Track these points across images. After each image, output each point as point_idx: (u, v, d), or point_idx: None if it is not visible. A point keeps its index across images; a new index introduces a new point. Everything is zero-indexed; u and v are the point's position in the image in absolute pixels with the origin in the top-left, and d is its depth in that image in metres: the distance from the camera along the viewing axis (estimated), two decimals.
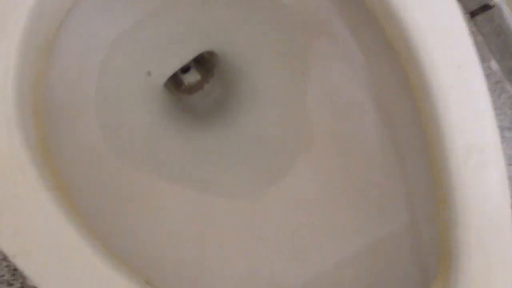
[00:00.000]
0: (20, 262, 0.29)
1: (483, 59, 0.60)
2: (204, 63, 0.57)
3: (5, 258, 0.58)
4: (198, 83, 0.56)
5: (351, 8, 0.40)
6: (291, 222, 0.45)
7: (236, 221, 0.45)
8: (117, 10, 0.41)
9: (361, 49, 0.41)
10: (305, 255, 0.44)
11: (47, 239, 0.30)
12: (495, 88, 0.67)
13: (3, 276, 0.58)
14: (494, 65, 0.61)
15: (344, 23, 0.41)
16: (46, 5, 0.30)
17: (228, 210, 0.46)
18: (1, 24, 0.29)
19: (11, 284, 0.58)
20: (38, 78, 0.32)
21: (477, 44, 0.32)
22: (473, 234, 0.31)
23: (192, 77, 0.56)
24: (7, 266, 0.59)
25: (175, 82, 0.57)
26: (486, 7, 0.58)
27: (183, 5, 0.45)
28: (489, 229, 0.31)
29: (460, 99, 0.31)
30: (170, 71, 0.50)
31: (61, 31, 0.34)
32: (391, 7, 0.32)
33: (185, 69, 0.55)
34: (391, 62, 0.37)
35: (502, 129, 0.66)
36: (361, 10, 0.36)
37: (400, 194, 0.41)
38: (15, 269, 0.59)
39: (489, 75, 0.64)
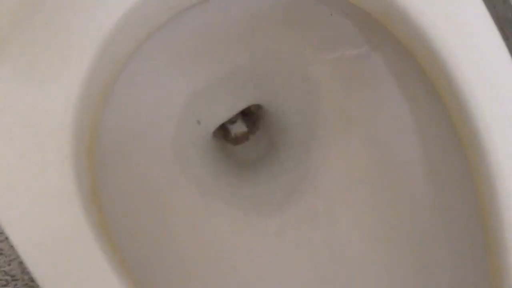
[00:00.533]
0: None
1: None
2: (250, 115, 0.58)
3: None
4: (245, 134, 0.57)
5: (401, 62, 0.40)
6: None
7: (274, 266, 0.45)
8: (175, 58, 0.43)
9: (407, 99, 0.41)
10: None
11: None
12: None
13: None
14: None
15: (393, 76, 0.41)
16: (111, 49, 0.32)
17: (265, 255, 0.45)
18: (66, 64, 0.31)
19: None
20: (95, 120, 0.33)
21: None
22: None
23: (239, 128, 0.57)
24: None
25: (223, 132, 0.58)
26: None
27: (233, 58, 0.47)
28: None
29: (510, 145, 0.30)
30: (218, 121, 0.51)
31: (122, 75, 0.36)
32: (444, 65, 0.32)
33: (232, 121, 0.57)
34: (440, 116, 0.36)
35: None
36: (410, 63, 0.37)
37: (444, 255, 0.39)
38: None
39: None
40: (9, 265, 0.63)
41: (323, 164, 0.49)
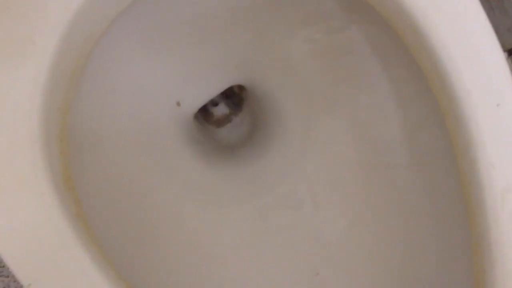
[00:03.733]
0: None
1: None
2: (233, 97, 0.57)
3: None
4: (227, 116, 0.56)
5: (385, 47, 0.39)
6: (315, 260, 0.43)
7: (257, 249, 0.44)
8: (148, 39, 0.41)
9: (389, 78, 0.40)
10: None
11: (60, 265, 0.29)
12: None
13: None
14: None
15: (375, 53, 0.40)
16: (78, 30, 0.30)
17: (245, 242, 0.44)
18: (31, 48, 0.29)
19: None
20: (65, 104, 0.32)
21: None
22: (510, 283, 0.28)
23: (221, 110, 0.56)
24: None
25: (205, 114, 0.57)
26: None
27: (212, 39, 0.45)
28: None
29: (498, 139, 0.29)
30: (199, 103, 0.50)
31: (91, 57, 0.34)
32: (427, 42, 0.31)
33: (214, 103, 0.56)
34: (424, 100, 0.35)
35: None
36: (392, 38, 0.35)
37: (431, 236, 0.38)
38: None
39: None
40: None
41: (307, 146, 0.48)
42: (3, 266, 0.62)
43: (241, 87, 0.54)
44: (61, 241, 0.29)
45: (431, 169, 0.38)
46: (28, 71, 0.29)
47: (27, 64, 0.29)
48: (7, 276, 0.62)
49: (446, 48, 0.30)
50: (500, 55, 0.31)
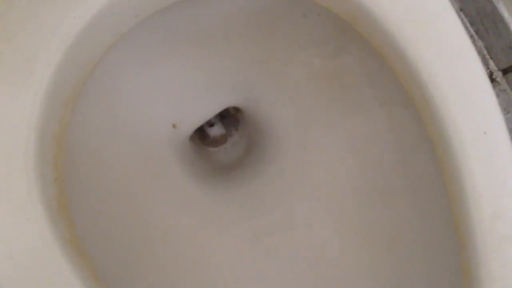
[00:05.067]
0: None
1: None
2: (229, 117, 0.57)
3: None
4: (223, 136, 0.56)
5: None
6: (310, 280, 0.43)
7: (252, 271, 0.45)
8: (144, 62, 0.42)
9: (379, 101, 0.41)
10: None
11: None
12: None
13: None
14: None
15: (366, 77, 0.41)
16: (74, 59, 0.31)
17: (242, 260, 0.45)
18: (28, 74, 0.30)
19: None
20: (61, 131, 0.33)
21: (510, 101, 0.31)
22: None
23: (217, 131, 0.56)
24: None
25: (200, 135, 0.57)
26: None
27: (209, 61, 0.46)
28: None
29: (486, 167, 0.30)
30: (195, 125, 0.51)
31: (86, 84, 0.35)
32: (415, 72, 0.32)
33: (210, 124, 0.56)
34: (414, 125, 0.36)
35: None
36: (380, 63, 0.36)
37: (424, 257, 0.39)
38: None
39: None
40: None
41: (302, 168, 0.48)
42: None
43: (236, 109, 0.55)
44: (52, 266, 0.30)
45: (423, 193, 0.39)
46: (26, 100, 0.30)
47: (26, 93, 0.30)
48: None
49: (433, 77, 0.31)
50: (486, 83, 0.31)
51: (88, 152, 0.40)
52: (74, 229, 0.33)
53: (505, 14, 0.56)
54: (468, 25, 0.62)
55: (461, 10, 0.61)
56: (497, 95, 0.57)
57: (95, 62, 0.35)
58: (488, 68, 0.61)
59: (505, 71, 0.61)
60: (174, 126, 0.49)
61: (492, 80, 0.61)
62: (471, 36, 0.62)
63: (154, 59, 0.44)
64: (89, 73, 0.35)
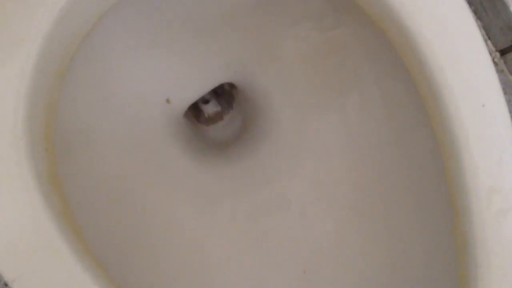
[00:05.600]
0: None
1: None
2: (224, 95, 0.57)
3: None
4: (218, 114, 0.56)
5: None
6: (303, 258, 0.43)
7: (244, 248, 0.44)
8: (137, 36, 0.41)
9: (376, 77, 0.40)
10: None
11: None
12: None
13: None
14: None
15: (363, 51, 0.40)
16: (63, 30, 0.30)
17: (235, 238, 0.44)
18: (16, 47, 0.29)
19: None
20: (51, 103, 0.32)
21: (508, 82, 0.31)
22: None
23: (212, 108, 0.56)
24: None
25: (195, 112, 0.57)
26: None
27: (203, 37, 0.45)
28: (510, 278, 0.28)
29: (483, 140, 0.29)
30: (190, 100, 0.50)
31: (76, 56, 0.34)
32: (413, 42, 0.31)
33: (205, 101, 0.56)
34: (411, 100, 0.35)
35: None
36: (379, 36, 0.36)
37: (418, 237, 0.39)
38: None
39: None
40: None
41: (297, 145, 0.48)
42: None
43: (231, 85, 0.54)
44: (44, 238, 0.29)
45: (419, 171, 0.38)
46: (14, 69, 0.29)
47: (14, 62, 0.29)
48: None
49: (432, 48, 0.30)
50: (486, 56, 0.31)
51: (79, 127, 0.39)
52: (66, 201, 0.33)
53: None
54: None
55: None
56: None
57: (84, 33, 0.34)
58: None
59: (503, 52, 0.61)
60: (167, 101, 0.48)
61: None
62: None
63: (145, 33, 0.43)
64: (78, 44, 0.34)
